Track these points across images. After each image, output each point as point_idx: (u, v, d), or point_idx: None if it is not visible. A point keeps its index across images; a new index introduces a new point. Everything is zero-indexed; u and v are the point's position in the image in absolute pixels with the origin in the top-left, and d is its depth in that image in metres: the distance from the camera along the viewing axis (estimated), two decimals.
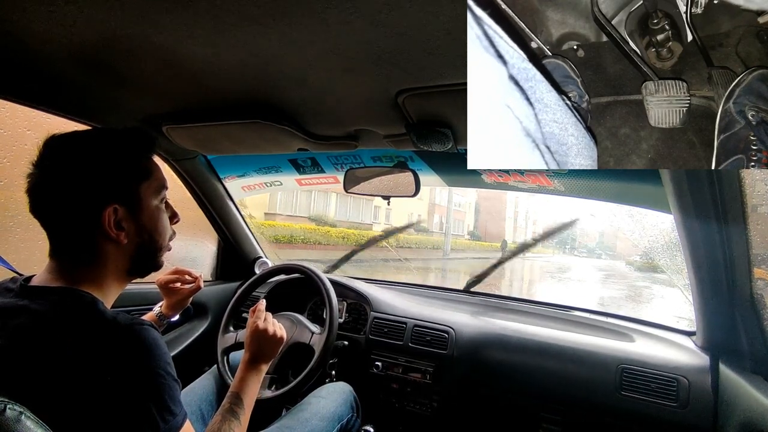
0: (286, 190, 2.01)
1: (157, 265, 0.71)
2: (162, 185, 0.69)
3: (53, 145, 0.61)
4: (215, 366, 1.21)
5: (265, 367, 0.93)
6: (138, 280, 0.70)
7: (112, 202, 0.61)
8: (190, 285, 1.02)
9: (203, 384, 1.15)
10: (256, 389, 0.87)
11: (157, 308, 1.02)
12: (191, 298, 1.04)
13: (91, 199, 0.60)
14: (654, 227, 1.42)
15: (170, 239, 0.72)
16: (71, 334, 0.53)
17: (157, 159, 0.71)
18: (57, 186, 0.60)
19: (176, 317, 1.04)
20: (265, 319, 0.97)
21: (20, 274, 0.66)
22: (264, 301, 1.03)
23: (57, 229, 0.62)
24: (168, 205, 0.72)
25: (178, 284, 1.02)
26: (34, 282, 0.61)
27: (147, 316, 0.99)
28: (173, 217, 0.73)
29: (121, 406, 0.52)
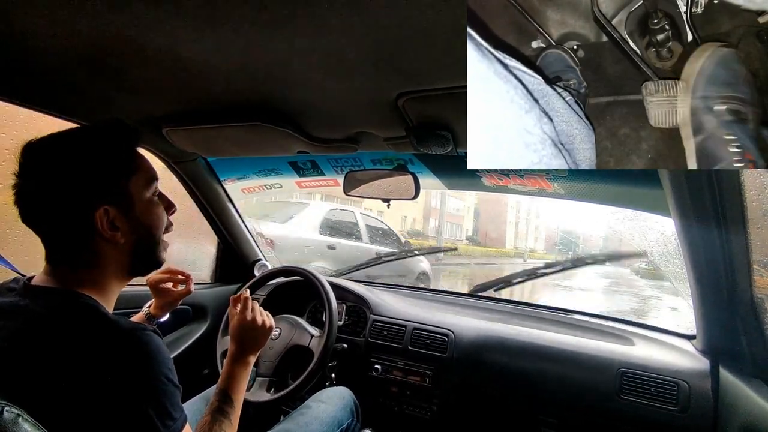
0: (281, 192, 2.00)
1: (158, 261, 0.69)
2: (152, 177, 0.67)
3: (31, 152, 0.58)
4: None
5: (253, 359, 0.89)
6: (131, 282, 0.69)
7: (101, 204, 0.59)
8: (180, 289, 1.00)
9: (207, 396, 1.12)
10: (244, 385, 0.84)
11: (145, 308, 0.99)
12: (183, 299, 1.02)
13: (79, 203, 0.58)
14: (652, 230, 1.41)
15: (166, 231, 0.70)
16: (71, 337, 0.53)
17: (156, 159, 0.70)
18: (42, 195, 0.58)
19: (165, 317, 1.01)
20: (252, 309, 0.94)
21: (22, 275, 0.65)
22: (248, 290, 0.99)
23: (50, 236, 0.60)
24: (162, 196, 0.70)
25: (170, 284, 0.99)
26: (35, 282, 0.60)
27: (136, 317, 0.97)
28: (169, 207, 0.71)
29: (121, 412, 0.51)
